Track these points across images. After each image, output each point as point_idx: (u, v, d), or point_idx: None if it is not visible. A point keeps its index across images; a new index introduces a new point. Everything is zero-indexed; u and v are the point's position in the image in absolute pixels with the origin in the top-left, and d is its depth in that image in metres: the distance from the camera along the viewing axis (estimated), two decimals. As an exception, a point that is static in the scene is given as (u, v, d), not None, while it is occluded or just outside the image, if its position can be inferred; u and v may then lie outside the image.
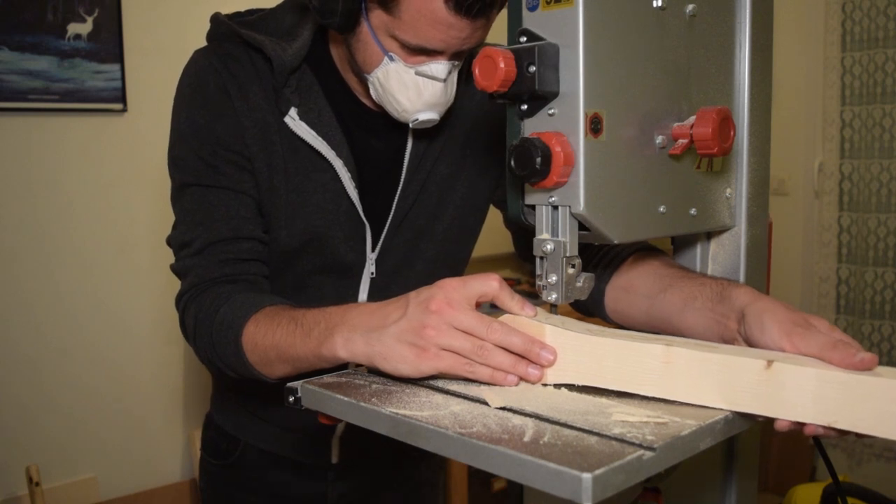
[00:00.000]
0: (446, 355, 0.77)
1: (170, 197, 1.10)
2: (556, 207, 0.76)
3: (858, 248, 3.38)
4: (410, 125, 1.05)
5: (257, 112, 1.06)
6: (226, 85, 1.05)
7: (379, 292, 1.13)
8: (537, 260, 0.79)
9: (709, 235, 0.95)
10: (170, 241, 1.09)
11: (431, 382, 0.82)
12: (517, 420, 0.70)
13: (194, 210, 1.06)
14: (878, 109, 3.29)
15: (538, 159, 0.70)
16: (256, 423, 1.24)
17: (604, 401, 0.74)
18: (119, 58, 2.32)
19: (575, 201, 0.73)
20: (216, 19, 1.11)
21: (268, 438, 1.24)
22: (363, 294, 1.14)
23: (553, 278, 0.77)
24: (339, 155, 1.07)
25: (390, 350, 0.78)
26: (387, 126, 1.11)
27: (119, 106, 2.34)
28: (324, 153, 1.07)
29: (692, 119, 0.81)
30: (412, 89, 1.00)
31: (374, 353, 0.80)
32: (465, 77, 1.10)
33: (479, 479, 2.66)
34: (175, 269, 1.08)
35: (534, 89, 0.72)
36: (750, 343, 0.78)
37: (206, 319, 0.99)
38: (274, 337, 0.92)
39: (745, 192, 0.92)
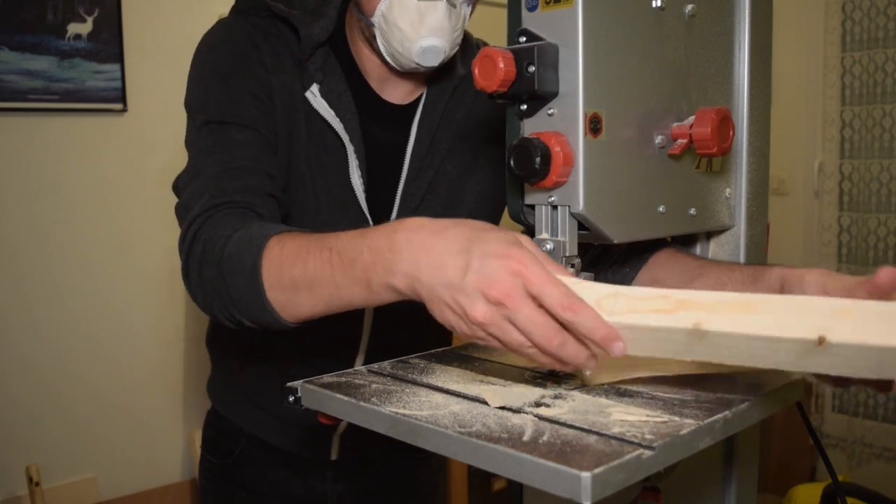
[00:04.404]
0: (493, 340, 0.68)
1: (185, 144, 1.03)
2: (555, 207, 0.76)
3: (858, 248, 3.39)
4: (416, 62, 1.02)
5: (285, 76, 1.05)
6: (255, 40, 1.04)
7: None
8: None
9: (708, 235, 0.95)
10: (177, 182, 1.00)
11: (431, 382, 0.82)
12: (516, 419, 0.70)
13: (211, 145, 0.98)
14: (878, 109, 3.29)
15: (537, 159, 0.71)
16: (257, 413, 1.24)
17: (603, 400, 0.75)
18: (119, 58, 2.32)
19: (574, 201, 0.74)
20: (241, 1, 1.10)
21: (268, 428, 1.23)
22: None
23: (552, 278, 0.77)
24: (353, 140, 1.07)
25: (439, 309, 0.69)
26: (393, 116, 1.12)
27: (119, 106, 2.34)
28: (339, 134, 1.06)
29: (691, 119, 0.81)
30: (414, 14, 1.00)
31: (426, 300, 0.70)
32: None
33: (479, 479, 2.66)
34: (180, 204, 0.96)
35: (533, 89, 0.72)
36: None
37: (216, 244, 0.86)
38: (305, 266, 0.78)
39: (745, 192, 0.92)
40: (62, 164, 2.28)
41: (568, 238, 0.76)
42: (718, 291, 0.66)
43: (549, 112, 0.74)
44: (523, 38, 0.74)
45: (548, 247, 0.77)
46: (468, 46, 1.18)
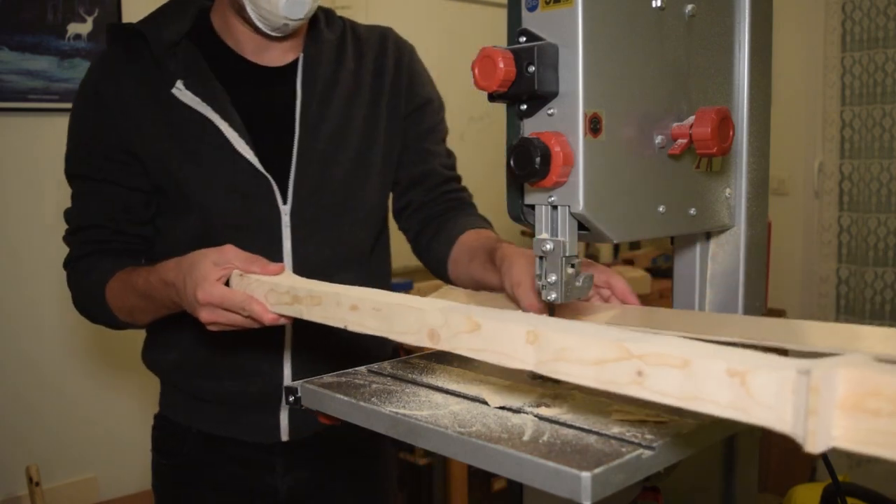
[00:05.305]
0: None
1: None
2: (555, 207, 0.76)
3: (858, 248, 3.39)
4: (284, 16, 1.11)
5: (136, 99, 1.17)
6: (98, 85, 1.19)
7: (302, 244, 1.21)
8: (536, 260, 0.79)
9: (708, 235, 0.95)
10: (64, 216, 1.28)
11: (431, 382, 0.82)
12: (516, 419, 0.70)
13: (75, 196, 1.25)
14: (878, 109, 3.29)
15: (537, 159, 0.71)
16: (202, 406, 1.26)
17: (603, 400, 0.75)
18: (119, 58, 2.33)
19: (574, 201, 0.73)
20: (107, 25, 1.24)
21: (215, 419, 1.26)
22: (287, 244, 1.20)
23: (552, 278, 0.78)
24: (225, 117, 1.16)
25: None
26: (274, 77, 1.22)
27: (119, 106, 2.34)
28: (209, 116, 1.16)
29: (691, 119, 0.81)
30: None
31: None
32: (355, 42, 1.28)
33: (479, 479, 2.66)
34: (63, 240, 1.28)
35: (533, 89, 0.72)
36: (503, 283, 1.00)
37: (80, 287, 1.24)
38: (129, 300, 1.15)
39: (745, 192, 0.92)
40: (62, 164, 2.28)
41: (568, 238, 0.76)
42: (317, 285, 0.90)
43: (549, 112, 0.74)
44: (523, 38, 0.74)
45: (547, 247, 0.77)
46: (332, 17, 1.30)
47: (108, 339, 2.40)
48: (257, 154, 1.17)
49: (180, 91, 1.16)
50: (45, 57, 2.22)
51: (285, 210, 1.19)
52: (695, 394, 0.52)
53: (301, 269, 1.19)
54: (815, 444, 0.46)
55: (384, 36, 1.32)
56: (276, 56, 1.23)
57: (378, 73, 1.28)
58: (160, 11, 1.22)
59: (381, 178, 1.29)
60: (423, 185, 1.32)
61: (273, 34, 1.17)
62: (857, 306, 3.39)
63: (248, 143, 1.17)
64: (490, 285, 1.10)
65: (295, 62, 1.23)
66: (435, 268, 1.31)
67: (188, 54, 1.18)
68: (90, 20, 2.28)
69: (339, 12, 1.33)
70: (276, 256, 1.17)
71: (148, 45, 1.17)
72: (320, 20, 1.25)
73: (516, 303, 0.96)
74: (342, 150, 1.23)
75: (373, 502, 1.38)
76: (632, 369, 0.56)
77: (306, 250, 1.20)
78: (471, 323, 0.67)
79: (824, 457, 0.93)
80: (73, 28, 2.26)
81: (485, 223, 1.30)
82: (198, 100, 1.16)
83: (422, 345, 0.73)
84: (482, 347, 0.66)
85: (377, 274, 1.34)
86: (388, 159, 1.29)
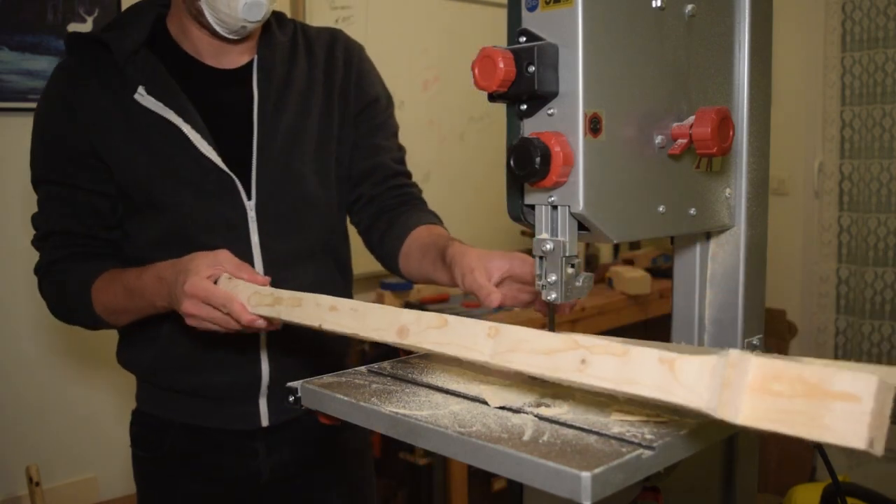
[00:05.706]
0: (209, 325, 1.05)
1: None
2: (555, 207, 0.76)
3: (858, 248, 3.39)
4: (243, 18, 1.14)
5: (100, 105, 1.20)
6: (63, 92, 1.21)
7: (269, 238, 1.24)
8: (536, 260, 0.79)
9: (708, 235, 0.95)
10: (31, 221, 1.31)
11: (431, 382, 0.82)
12: (516, 419, 0.70)
13: (43, 202, 1.27)
14: (878, 109, 3.29)
15: (537, 159, 0.71)
16: (182, 399, 1.28)
17: (603, 400, 0.75)
18: (119, 58, 2.33)
19: (574, 201, 0.73)
20: (66, 35, 1.27)
21: (196, 411, 1.28)
22: (255, 238, 1.23)
23: (552, 278, 0.78)
24: (187, 120, 1.19)
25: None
26: (231, 78, 1.26)
27: (119, 106, 2.34)
28: (172, 120, 1.19)
29: (691, 119, 0.81)
30: None
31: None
32: (305, 43, 1.32)
33: (479, 479, 2.66)
34: (33, 245, 1.31)
35: (533, 89, 0.72)
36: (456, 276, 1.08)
37: (60, 293, 1.26)
38: (114, 300, 1.19)
39: (745, 192, 0.92)
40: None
41: (568, 238, 0.76)
42: (298, 292, 0.95)
43: (549, 112, 0.74)
44: (523, 38, 0.74)
45: (547, 247, 0.77)
46: (283, 20, 1.34)
47: (109, 339, 2.40)
48: (220, 154, 1.21)
49: (142, 97, 1.19)
50: (45, 57, 2.22)
51: (250, 206, 1.23)
52: (629, 378, 0.59)
53: (269, 262, 1.23)
54: (724, 413, 0.53)
55: (334, 37, 1.35)
56: (232, 59, 1.26)
57: (329, 73, 1.32)
58: (118, 20, 1.25)
59: (338, 174, 1.33)
60: (372, 179, 1.35)
61: (231, 37, 1.21)
62: (857, 306, 3.39)
63: (210, 143, 1.20)
64: (441, 283, 1.18)
65: (250, 64, 1.27)
66: (387, 262, 1.34)
67: (148, 61, 1.22)
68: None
69: (338, 13, 1.35)
70: (245, 251, 1.21)
71: (107, 53, 1.20)
72: (272, 23, 1.30)
73: (470, 291, 1.02)
74: (300, 146, 1.26)
75: (353, 481, 1.41)
76: (577, 358, 0.63)
77: (273, 244, 1.24)
78: (440, 320, 0.75)
79: (824, 456, 0.93)
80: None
81: (436, 219, 1.34)
82: (160, 104, 1.20)
83: (390, 341, 0.78)
84: (446, 342, 0.74)
85: (340, 265, 1.38)
86: (343, 156, 1.33)
